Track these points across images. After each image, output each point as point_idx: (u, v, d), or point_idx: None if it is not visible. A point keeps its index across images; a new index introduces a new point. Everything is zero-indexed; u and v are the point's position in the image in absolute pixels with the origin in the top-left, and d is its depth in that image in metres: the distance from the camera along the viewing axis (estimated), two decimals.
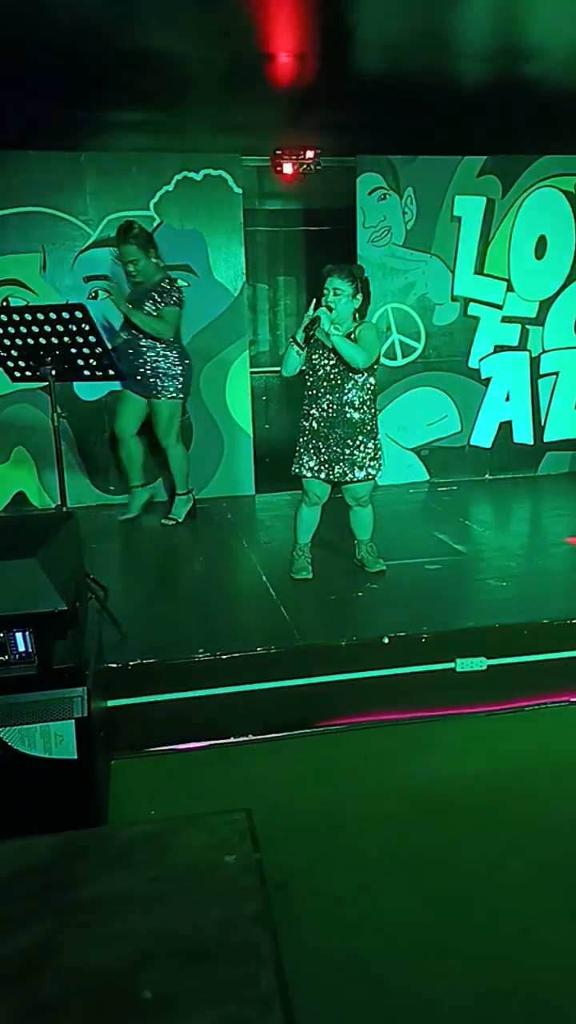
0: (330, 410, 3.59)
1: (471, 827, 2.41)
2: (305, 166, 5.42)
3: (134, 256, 4.57)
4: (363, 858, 2.27)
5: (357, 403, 3.61)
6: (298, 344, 3.52)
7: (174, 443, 4.89)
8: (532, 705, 3.17)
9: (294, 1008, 1.11)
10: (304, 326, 3.47)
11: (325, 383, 3.58)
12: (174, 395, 4.79)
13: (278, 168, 5.45)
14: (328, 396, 3.58)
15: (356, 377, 3.58)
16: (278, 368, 3.80)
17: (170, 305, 4.63)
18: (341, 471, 3.63)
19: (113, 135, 5.02)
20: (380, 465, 3.72)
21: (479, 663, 3.14)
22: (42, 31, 3.33)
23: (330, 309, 3.45)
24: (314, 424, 3.63)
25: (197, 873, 1.37)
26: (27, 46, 3.47)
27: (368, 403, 3.65)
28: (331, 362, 3.56)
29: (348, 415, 3.60)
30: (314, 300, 3.55)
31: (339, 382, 3.57)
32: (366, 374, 3.60)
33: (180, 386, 4.81)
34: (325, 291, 3.51)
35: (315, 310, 3.46)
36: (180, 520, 5.02)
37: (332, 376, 3.57)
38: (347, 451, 3.62)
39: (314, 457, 3.64)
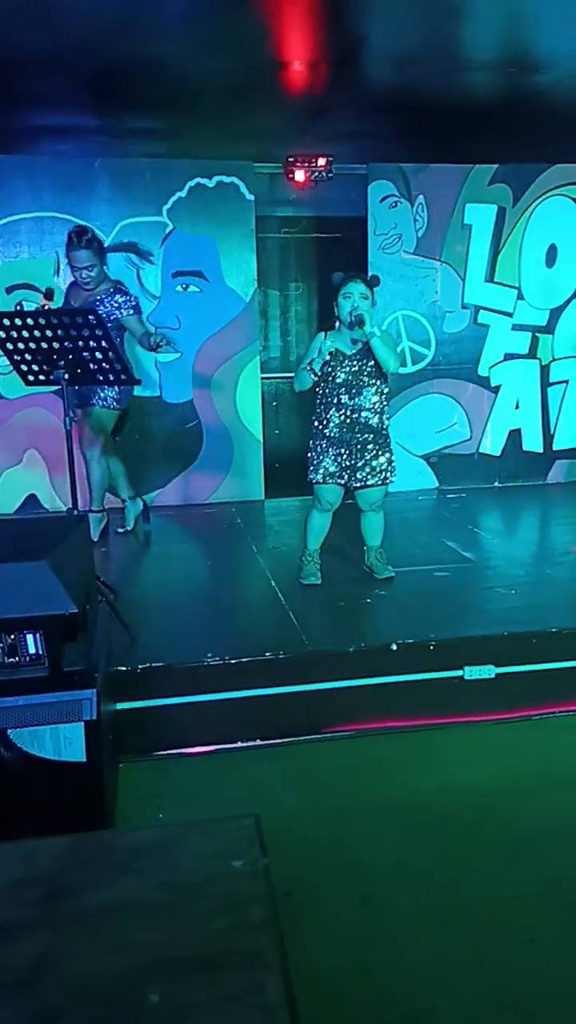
0: (352, 415, 3.61)
1: (478, 836, 2.40)
2: (317, 173, 5.44)
3: (89, 262, 4.31)
4: (369, 867, 2.26)
5: (377, 408, 3.64)
6: (314, 373, 3.53)
7: (97, 457, 4.57)
8: (540, 714, 3.15)
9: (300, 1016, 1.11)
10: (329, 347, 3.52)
11: (345, 390, 3.59)
12: (109, 405, 4.50)
13: (290, 175, 5.47)
14: (349, 402, 3.60)
15: (375, 382, 3.61)
16: (289, 374, 3.82)
17: (131, 314, 4.40)
18: (363, 476, 3.65)
19: (127, 142, 5.06)
20: (395, 469, 3.75)
21: (488, 671, 3.13)
22: (56, 41, 3.37)
23: (361, 323, 3.45)
24: (333, 431, 3.63)
25: (204, 879, 1.37)
26: (42, 56, 3.51)
27: (385, 408, 3.69)
28: (353, 368, 3.58)
29: (368, 420, 3.62)
30: (323, 333, 3.60)
31: (359, 387, 3.59)
32: (383, 380, 3.63)
33: (118, 396, 4.51)
34: (347, 295, 3.51)
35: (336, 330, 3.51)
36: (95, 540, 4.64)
37: (353, 382, 3.59)
38: (367, 456, 3.64)
39: (334, 463, 3.65)
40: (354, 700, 3.05)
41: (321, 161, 5.39)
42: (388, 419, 3.73)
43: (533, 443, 6.27)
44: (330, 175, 5.46)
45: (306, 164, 5.42)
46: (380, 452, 3.67)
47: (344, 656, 3.09)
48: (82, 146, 5.06)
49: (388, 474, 3.71)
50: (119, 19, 3.20)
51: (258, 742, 2.96)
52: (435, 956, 1.93)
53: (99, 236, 4.46)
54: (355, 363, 3.58)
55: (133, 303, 4.44)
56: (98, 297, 4.40)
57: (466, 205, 5.79)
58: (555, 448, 6.29)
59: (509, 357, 6.10)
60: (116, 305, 4.36)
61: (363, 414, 3.61)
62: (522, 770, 2.78)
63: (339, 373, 3.59)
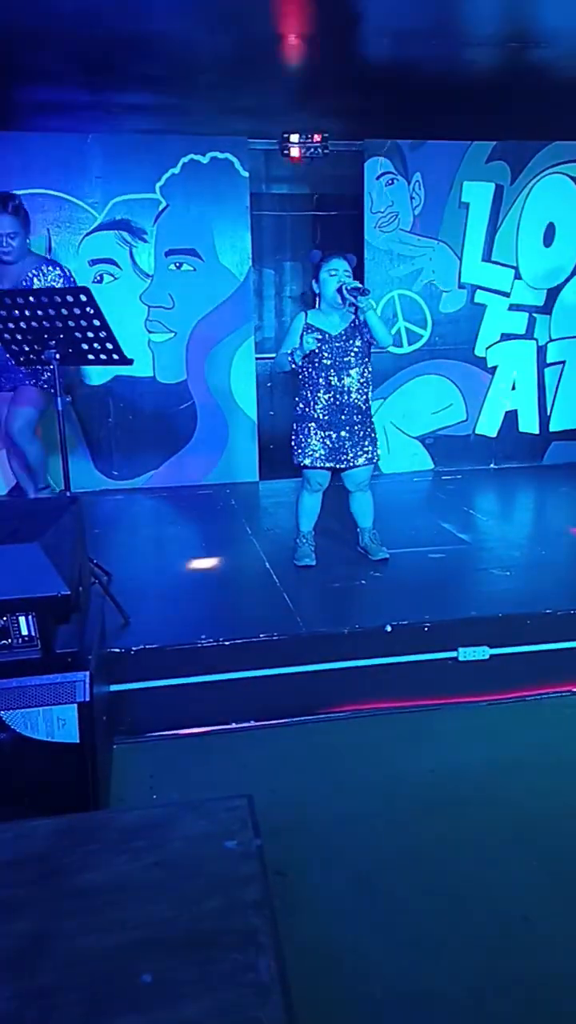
0: (339, 397, 3.59)
1: (471, 817, 2.41)
2: (312, 150, 5.37)
3: (11, 229, 4.01)
4: (362, 847, 2.27)
5: (363, 388, 3.63)
6: (295, 365, 3.54)
7: (31, 438, 4.36)
8: (534, 695, 3.17)
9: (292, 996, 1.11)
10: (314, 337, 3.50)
11: (333, 371, 3.57)
12: (41, 385, 4.27)
13: (285, 151, 5.40)
14: (338, 384, 3.58)
15: (361, 363, 3.59)
16: None
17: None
18: (351, 457, 3.65)
19: (120, 118, 4.98)
20: (378, 447, 3.79)
21: (482, 652, 3.13)
22: (51, 16, 3.30)
23: (366, 292, 3.45)
24: (321, 413, 3.61)
25: (198, 859, 1.37)
26: (34, 30, 3.44)
27: (369, 388, 3.69)
28: (338, 347, 3.55)
29: (354, 400, 3.61)
30: (303, 313, 3.59)
31: (346, 368, 3.57)
32: (367, 359, 3.62)
33: (47, 376, 4.22)
34: (332, 272, 3.48)
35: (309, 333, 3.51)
36: None
37: (340, 363, 3.56)
38: (355, 436, 3.64)
39: (322, 444, 3.63)
40: (349, 682, 3.06)
41: (316, 137, 5.31)
42: (373, 401, 3.74)
43: (529, 424, 6.25)
44: (326, 151, 5.39)
45: (301, 140, 5.33)
46: (367, 432, 3.68)
47: (339, 638, 3.09)
48: (75, 122, 4.98)
49: (374, 453, 3.72)
50: None
51: (252, 723, 2.96)
52: (430, 935, 1.94)
53: (26, 208, 4.20)
54: (341, 343, 3.55)
55: (70, 277, 4.22)
56: (31, 272, 4.15)
57: (464, 183, 5.73)
58: (551, 430, 6.27)
59: (506, 337, 6.06)
60: (54, 280, 4.14)
61: (351, 395, 3.59)
62: (516, 751, 2.80)
63: (325, 354, 3.56)
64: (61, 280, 4.20)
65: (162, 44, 3.67)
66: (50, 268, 4.22)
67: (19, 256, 4.14)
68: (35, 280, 4.16)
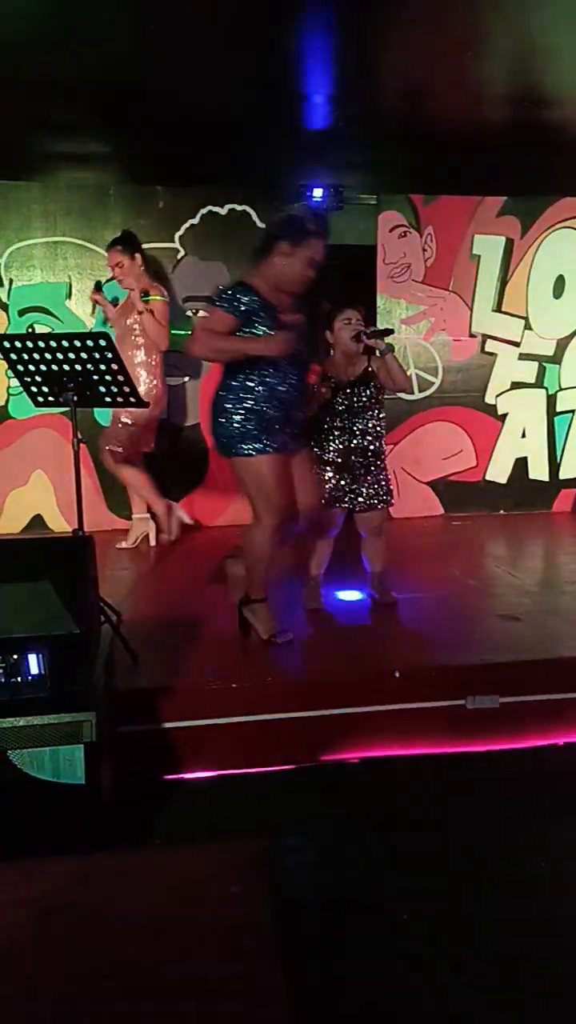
0: (352, 441, 3.64)
1: (479, 867, 2.37)
2: (328, 203, 5.51)
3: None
4: (368, 896, 2.24)
5: (376, 432, 3.69)
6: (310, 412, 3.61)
7: None
8: (544, 744, 3.13)
9: None
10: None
11: (348, 416, 3.63)
12: None
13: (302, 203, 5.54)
14: (352, 428, 3.64)
15: (375, 408, 3.65)
16: None
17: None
18: (363, 500, 3.68)
19: (141, 169, 5.15)
20: (392, 492, 3.82)
21: (491, 700, 3.11)
22: (77, 72, 3.45)
23: (390, 332, 3.55)
24: (335, 456, 3.66)
25: (203, 903, 1.37)
26: (63, 85, 3.59)
27: (383, 432, 3.75)
28: (351, 393, 3.62)
29: (368, 445, 3.66)
30: (321, 385, 3.63)
31: (363, 413, 3.63)
32: (381, 405, 3.68)
33: None
34: (346, 320, 3.57)
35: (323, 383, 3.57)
36: None
37: (358, 408, 3.63)
38: (370, 479, 3.68)
39: (335, 487, 3.67)
40: (356, 727, 3.04)
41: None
42: (386, 445, 3.78)
43: (539, 472, 6.27)
44: (341, 204, 5.53)
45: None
46: (380, 476, 3.71)
47: (346, 682, 3.08)
48: (97, 173, 5.15)
49: (388, 497, 3.75)
50: (138, 52, 3.28)
51: (259, 768, 2.94)
52: (435, 984, 1.90)
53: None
54: (354, 389, 3.62)
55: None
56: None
57: (475, 236, 5.86)
58: (561, 477, 6.30)
59: (516, 386, 6.13)
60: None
61: (367, 439, 3.65)
62: (526, 801, 2.76)
63: (339, 400, 3.62)
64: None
65: (185, 100, 3.82)
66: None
67: None
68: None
